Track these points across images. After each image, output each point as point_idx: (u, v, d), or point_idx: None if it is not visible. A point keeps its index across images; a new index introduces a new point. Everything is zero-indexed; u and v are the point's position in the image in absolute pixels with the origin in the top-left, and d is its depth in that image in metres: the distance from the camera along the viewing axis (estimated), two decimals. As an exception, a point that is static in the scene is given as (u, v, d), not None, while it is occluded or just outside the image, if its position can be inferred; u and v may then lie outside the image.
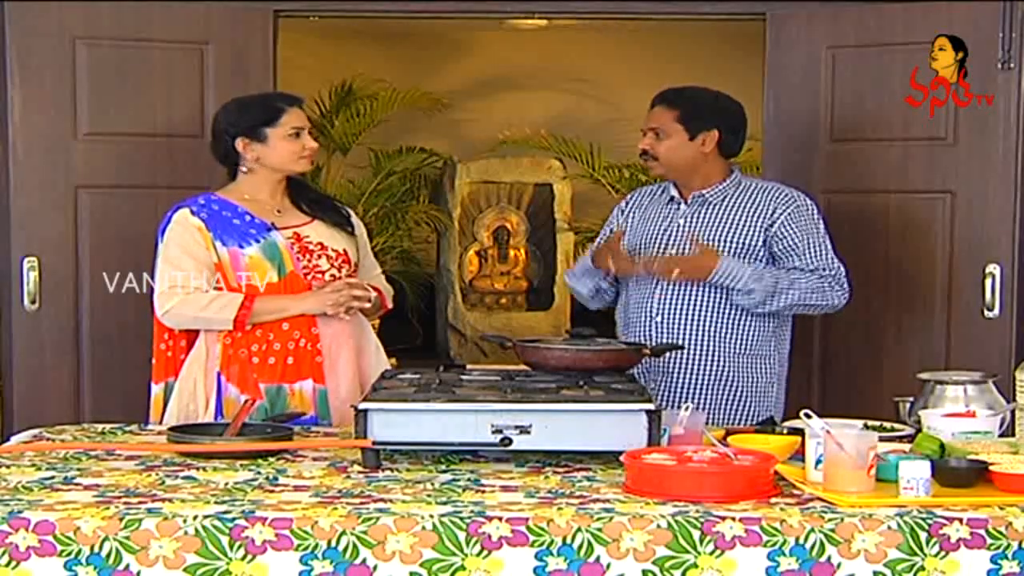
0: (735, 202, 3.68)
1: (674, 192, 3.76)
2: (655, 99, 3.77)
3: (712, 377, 3.61)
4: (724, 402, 3.61)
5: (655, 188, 3.88)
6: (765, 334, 3.65)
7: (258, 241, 3.40)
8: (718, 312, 3.61)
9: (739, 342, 3.62)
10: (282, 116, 3.45)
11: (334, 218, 3.56)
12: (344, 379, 3.43)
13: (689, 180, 3.72)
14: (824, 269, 3.61)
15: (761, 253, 3.63)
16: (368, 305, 3.45)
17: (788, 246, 3.61)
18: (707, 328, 3.62)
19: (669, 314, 3.64)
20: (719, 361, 3.62)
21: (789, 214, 3.63)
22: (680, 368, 3.62)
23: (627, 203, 3.91)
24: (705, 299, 3.61)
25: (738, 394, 3.62)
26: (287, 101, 3.50)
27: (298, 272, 3.42)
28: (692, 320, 3.62)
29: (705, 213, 3.69)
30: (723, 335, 3.62)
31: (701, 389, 3.61)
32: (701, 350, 3.61)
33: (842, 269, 3.64)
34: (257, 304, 3.36)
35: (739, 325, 3.62)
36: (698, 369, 3.62)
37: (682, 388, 3.61)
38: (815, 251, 3.62)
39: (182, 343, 3.47)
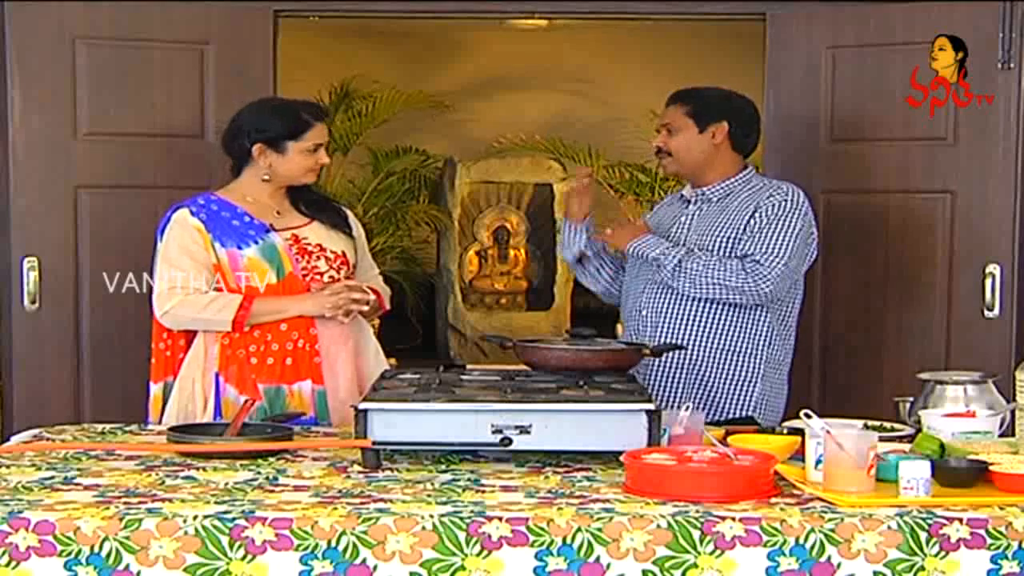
0: (734, 199, 3.68)
1: (685, 191, 3.78)
2: (668, 100, 3.77)
3: (687, 371, 3.60)
4: (694, 392, 3.58)
5: (678, 194, 3.89)
6: (746, 330, 3.61)
7: (256, 242, 3.40)
8: (694, 303, 3.59)
9: (720, 337, 3.60)
10: (308, 131, 3.44)
11: (332, 219, 3.56)
12: (343, 380, 3.43)
13: (702, 176, 3.71)
14: (752, 256, 3.53)
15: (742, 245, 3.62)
16: (367, 308, 3.45)
17: (749, 231, 3.58)
18: (688, 321, 3.61)
19: (653, 307, 3.66)
20: (696, 355, 3.60)
21: (770, 205, 3.59)
22: (656, 361, 3.61)
23: (651, 209, 3.95)
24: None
25: (709, 386, 3.59)
26: (315, 115, 3.48)
27: (296, 274, 3.42)
28: (673, 313, 3.62)
29: (707, 210, 3.70)
30: (704, 329, 3.60)
31: (670, 377, 3.60)
32: (674, 340, 3.60)
33: (777, 259, 3.51)
34: (256, 305, 3.36)
35: (721, 320, 3.59)
36: (675, 363, 3.61)
37: (653, 375, 3.60)
38: (762, 238, 3.54)
39: (181, 342, 3.46)
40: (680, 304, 3.62)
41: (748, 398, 3.63)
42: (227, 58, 4.57)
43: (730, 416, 3.56)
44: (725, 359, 3.62)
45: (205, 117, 4.45)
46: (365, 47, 8.84)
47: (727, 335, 3.62)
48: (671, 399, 3.57)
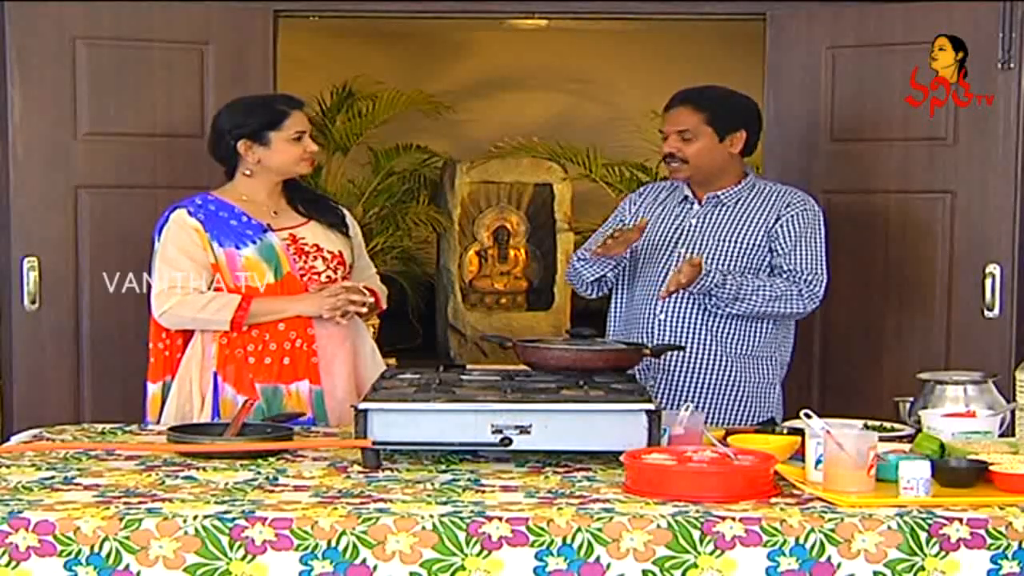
0: (747, 204, 3.67)
1: (687, 192, 3.75)
2: (676, 100, 3.71)
3: (715, 377, 3.61)
4: (726, 402, 3.60)
5: (668, 185, 3.85)
6: (767, 336, 3.64)
7: (254, 242, 3.40)
8: (721, 312, 3.59)
9: (742, 343, 3.62)
10: (286, 120, 3.44)
11: (330, 219, 3.56)
12: (340, 380, 3.43)
13: (713, 181, 3.70)
14: (800, 275, 3.58)
15: (764, 252, 3.62)
16: (364, 309, 3.45)
17: (780, 245, 3.60)
18: (711, 328, 3.60)
19: (673, 312, 3.63)
20: (722, 361, 3.61)
21: (793, 215, 3.62)
22: (681, 368, 3.61)
23: (639, 196, 3.90)
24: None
25: (740, 395, 3.62)
26: (290, 104, 3.49)
27: (295, 273, 3.42)
28: (695, 320, 3.61)
29: (717, 214, 3.68)
30: (727, 336, 3.61)
31: (703, 389, 3.60)
32: (704, 350, 3.60)
33: (823, 279, 3.61)
34: (254, 305, 3.36)
35: (742, 326, 3.60)
36: (701, 369, 3.61)
37: (684, 388, 3.60)
38: (802, 255, 3.59)
39: (179, 342, 3.46)
40: (702, 311, 3.60)
41: (770, 401, 3.65)
42: (227, 58, 4.58)
43: (756, 421, 3.55)
44: (748, 364, 3.62)
45: (205, 117, 4.42)
46: (365, 47, 8.84)
47: (750, 341, 3.61)
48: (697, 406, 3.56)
